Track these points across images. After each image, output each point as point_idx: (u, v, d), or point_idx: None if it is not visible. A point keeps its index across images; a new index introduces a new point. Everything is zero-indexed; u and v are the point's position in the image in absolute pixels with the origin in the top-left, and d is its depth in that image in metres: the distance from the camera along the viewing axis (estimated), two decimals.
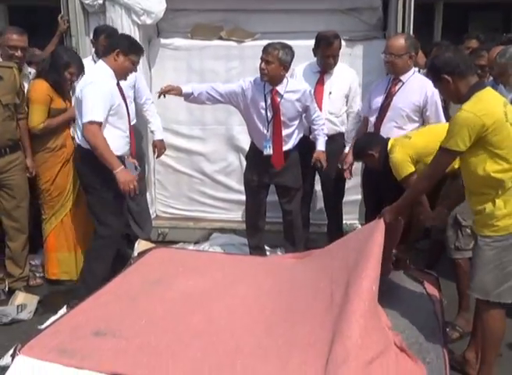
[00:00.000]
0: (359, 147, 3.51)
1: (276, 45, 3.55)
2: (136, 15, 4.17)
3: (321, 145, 3.80)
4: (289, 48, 3.57)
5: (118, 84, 3.39)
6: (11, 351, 2.53)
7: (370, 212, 3.67)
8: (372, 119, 3.73)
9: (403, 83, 3.63)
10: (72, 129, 3.78)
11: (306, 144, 3.84)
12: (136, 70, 3.48)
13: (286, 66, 3.57)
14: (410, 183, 3.04)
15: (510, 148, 2.45)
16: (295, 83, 3.73)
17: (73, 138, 3.73)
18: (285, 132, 3.72)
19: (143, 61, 4.29)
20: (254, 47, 4.30)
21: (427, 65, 2.77)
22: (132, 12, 4.16)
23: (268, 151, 3.73)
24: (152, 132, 4.19)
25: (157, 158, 4.25)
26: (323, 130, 3.83)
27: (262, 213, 3.98)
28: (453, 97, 2.60)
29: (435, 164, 2.60)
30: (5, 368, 2.33)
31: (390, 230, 2.77)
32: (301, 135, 3.85)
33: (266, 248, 4.19)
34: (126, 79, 3.47)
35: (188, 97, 3.66)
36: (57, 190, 3.80)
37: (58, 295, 3.71)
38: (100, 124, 3.21)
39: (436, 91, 3.43)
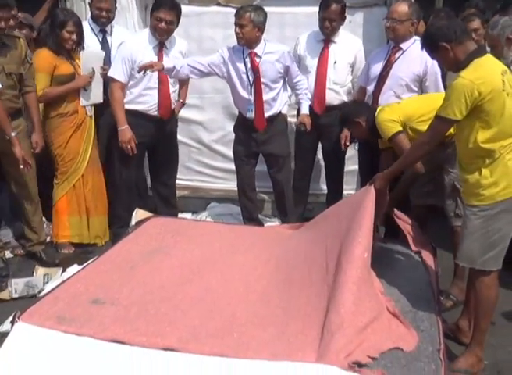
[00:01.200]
0: (345, 115, 3.44)
1: (247, 8, 3.58)
2: None
3: (304, 109, 3.79)
4: (261, 9, 3.60)
5: (160, 45, 3.68)
6: (10, 318, 2.56)
7: (365, 181, 3.65)
8: (370, 88, 3.68)
9: (404, 52, 3.58)
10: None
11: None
12: (167, 28, 3.62)
13: (260, 27, 3.58)
14: (399, 142, 3.04)
15: (501, 118, 2.43)
16: (273, 45, 3.72)
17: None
18: (267, 95, 3.71)
19: (140, 28, 4.24)
20: None
21: (421, 39, 2.68)
22: None
23: (251, 114, 3.73)
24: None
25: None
26: (306, 95, 3.81)
27: (251, 184, 3.98)
28: (453, 65, 2.55)
29: (431, 132, 2.59)
30: (5, 334, 2.36)
31: (378, 197, 2.79)
32: (287, 101, 3.82)
33: (261, 217, 4.20)
34: (165, 38, 3.67)
35: (170, 72, 3.63)
36: (69, 155, 3.84)
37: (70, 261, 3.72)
38: (117, 82, 3.68)
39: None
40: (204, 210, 4.54)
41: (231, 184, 4.73)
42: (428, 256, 3.06)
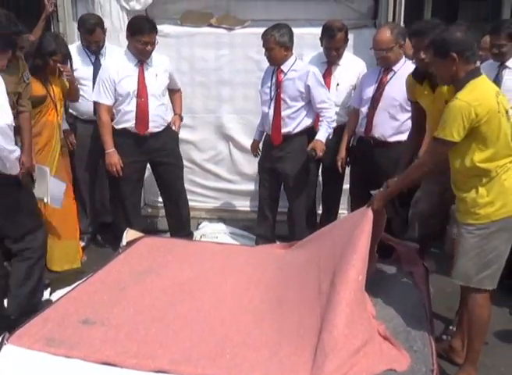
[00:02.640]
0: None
1: (271, 31, 3.59)
2: (125, 0, 4.12)
3: (320, 135, 3.67)
4: (284, 26, 3.62)
5: (141, 64, 3.73)
6: None
7: (356, 201, 3.66)
8: (364, 109, 3.70)
9: (395, 73, 3.60)
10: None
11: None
12: (152, 49, 3.69)
13: (286, 46, 3.63)
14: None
15: (498, 138, 2.46)
16: (300, 63, 3.77)
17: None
18: (286, 112, 3.72)
19: None
20: (244, 34, 4.29)
21: (432, 38, 2.57)
22: None
23: (269, 128, 3.78)
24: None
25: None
26: (328, 123, 3.70)
27: (269, 202, 3.95)
28: (448, 77, 2.52)
29: (430, 154, 2.59)
30: None
31: (376, 219, 2.77)
32: (308, 123, 3.77)
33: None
34: (146, 58, 3.73)
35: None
36: None
37: None
38: (101, 104, 3.74)
39: None
40: (195, 229, 4.51)
41: (223, 204, 4.73)
42: (420, 276, 3.06)
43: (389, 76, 3.62)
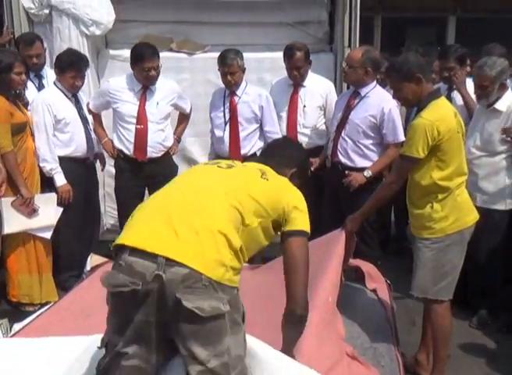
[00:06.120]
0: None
1: (232, 55, 3.67)
2: (85, 25, 4.10)
3: None
4: (238, 51, 3.74)
5: (144, 91, 3.75)
6: None
7: (328, 222, 3.59)
8: (332, 132, 3.72)
9: (362, 98, 3.57)
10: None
11: None
12: (157, 74, 3.73)
13: (244, 69, 3.75)
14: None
15: (456, 157, 2.58)
16: (252, 87, 3.85)
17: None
18: (241, 134, 3.79)
19: (91, 72, 4.24)
20: (205, 59, 4.35)
21: (392, 64, 2.69)
22: (80, 23, 4.09)
23: (225, 151, 3.79)
24: None
25: None
26: None
27: None
28: (414, 100, 2.62)
29: (397, 171, 2.70)
30: None
31: (347, 242, 2.81)
32: (260, 145, 3.85)
33: None
34: (151, 84, 3.76)
35: None
36: None
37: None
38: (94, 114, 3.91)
39: (394, 108, 3.43)
40: None
41: None
42: (383, 293, 3.12)
43: (355, 101, 3.59)
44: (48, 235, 3.57)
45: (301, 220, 1.96)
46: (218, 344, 1.73)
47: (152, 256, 1.70)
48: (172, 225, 1.75)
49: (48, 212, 3.53)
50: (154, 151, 3.82)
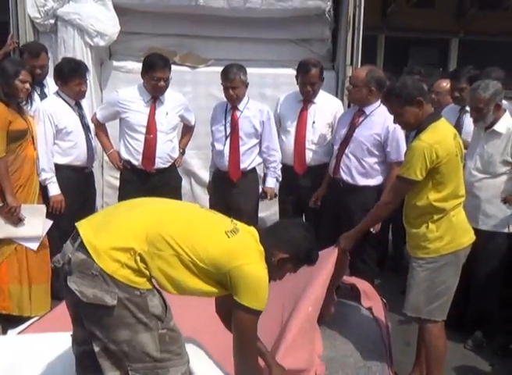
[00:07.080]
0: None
1: (234, 70, 3.66)
2: (90, 36, 4.15)
3: (270, 183, 3.88)
4: (241, 66, 3.73)
5: (153, 101, 3.74)
6: None
7: (325, 240, 3.62)
8: (335, 149, 3.68)
9: (367, 116, 3.55)
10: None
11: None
12: (166, 85, 3.71)
13: (247, 84, 3.74)
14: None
15: (454, 180, 2.59)
16: (254, 103, 3.85)
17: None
18: (242, 148, 3.78)
19: (94, 83, 4.27)
20: (208, 73, 4.40)
21: (391, 90, 2.69)
22: (85, 34, 4.14)
23: (225, 165, 3.79)
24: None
25: None
26: (275, 169, 3.86)
27: None
28: (416, 123, 2.62)
29: (394, 192, 2.70)
30: None
31: (339, 260, 2.80)
32: (260, 161, 3.88)
33: None
34: (160, 95, 3.74)
35: None
36: None
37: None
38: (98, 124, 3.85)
39: (399, 127, 3.31)
40: None
41: None
42: (379, 311, 3.11)
43: (360, 119, 3.57)
44: (34, 246, 3.48)
45: (249, 295, 1.96)
46: (113, 334, 1.88)
47: (75, 238, 1.94)
48: (108, 224, 1.97)
49: (35, 223, 3.45)
50: (161, 161, 3.81)
